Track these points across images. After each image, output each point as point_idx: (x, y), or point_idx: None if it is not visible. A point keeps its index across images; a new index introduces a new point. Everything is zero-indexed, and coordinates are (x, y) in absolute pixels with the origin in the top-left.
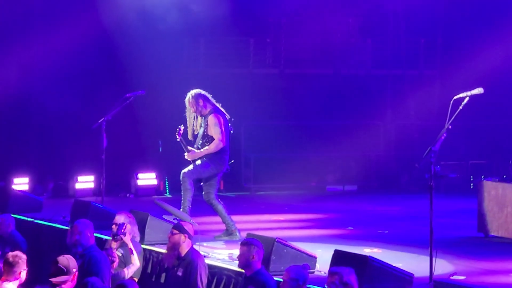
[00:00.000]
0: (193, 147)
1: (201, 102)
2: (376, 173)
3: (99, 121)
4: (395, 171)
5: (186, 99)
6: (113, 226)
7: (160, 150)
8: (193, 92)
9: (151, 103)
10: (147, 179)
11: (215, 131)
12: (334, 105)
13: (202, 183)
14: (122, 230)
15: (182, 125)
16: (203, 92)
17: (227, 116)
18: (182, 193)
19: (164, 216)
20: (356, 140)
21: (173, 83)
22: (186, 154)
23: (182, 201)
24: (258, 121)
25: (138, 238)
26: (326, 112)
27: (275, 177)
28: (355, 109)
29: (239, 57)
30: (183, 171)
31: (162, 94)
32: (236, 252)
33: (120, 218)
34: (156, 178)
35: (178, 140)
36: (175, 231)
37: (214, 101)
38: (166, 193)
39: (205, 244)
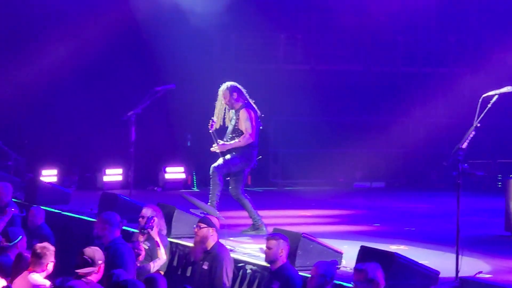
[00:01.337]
0: (222, 139)
1: (235, 95)
2: (404, 170)
3: (129, 114)
4: (423, 169)
5: (221, 89)
6: (140, 219)
7: (189, 144)
8: (229, 83)
9: (180, 97)
10: (175, 172)
11: (246, 125)
12: (363, 102)
13: (229, 178)
14: (150, 224)
15: (214, 116)
16: (239, 86)
17: (259, 113)
18: (211, 187)
19: (191, 210)
20: (385, 137)
21: (203, 77)
22: (214, 145)
23: (210, 195)
24: (287, 116)
25: (165, 232)
26: (355, 108)
27: (303, 172)
28: (384, 106)
29: (270, 53)
30: (213, 165)
31: (192, 89)
32: (263, 246)
33: (147, 211)
34: (184, 172)
35: (210, 131)
36: (203, 225)
37: (247, 97)
38: (194, 187)
39: (231, 238)
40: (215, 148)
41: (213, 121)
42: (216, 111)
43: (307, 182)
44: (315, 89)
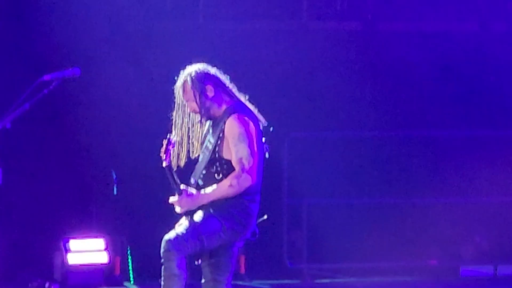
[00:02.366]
0: (188, 182)
1: (210, 91)
2: None
3: None
4: None
5: (179, 83)
6: None
7: (115, 193)
8: (194, 70)
9: (95, 94)
10: (87, 251)
11: (238, 151)
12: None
13: (200, 262)
14: None
15: (173, 133)
16: (213, 71)
17: (262, 122)
18: (162, 283)
19: None
20: None
21: (143, 52)
22: (175, 197)
23: None
24: (313, 130)
25: None
26: (450, 115)
27: (352, 247)
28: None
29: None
30: (166, 237)
31: (119, 75)
32: None
33: None
34: (106, 249)
35: (164, 164)
36: None
37: (234, 90)
38: (129, 280)
39: None
40: (175, 202)
41: (170, 142)
42: (177, 125)
43: (363, 268)
44: (370, 73)
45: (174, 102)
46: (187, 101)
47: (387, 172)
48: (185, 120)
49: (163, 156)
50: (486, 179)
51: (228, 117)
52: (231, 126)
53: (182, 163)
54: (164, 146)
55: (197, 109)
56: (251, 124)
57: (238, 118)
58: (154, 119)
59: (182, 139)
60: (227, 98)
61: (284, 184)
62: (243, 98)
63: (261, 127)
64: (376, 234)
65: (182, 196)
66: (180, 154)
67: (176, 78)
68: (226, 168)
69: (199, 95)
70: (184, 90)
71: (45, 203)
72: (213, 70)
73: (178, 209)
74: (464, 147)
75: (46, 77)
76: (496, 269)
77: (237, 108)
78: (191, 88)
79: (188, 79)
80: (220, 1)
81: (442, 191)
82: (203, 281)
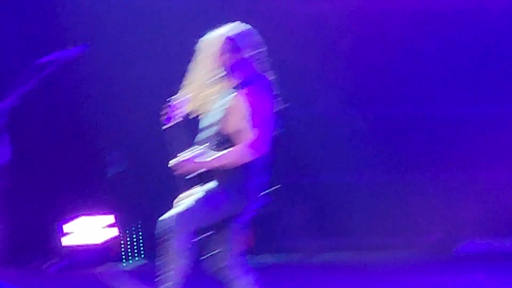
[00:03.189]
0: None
1: (243, 54)
2: None
3: None
4: None
5: (213, 37)
6: None
7: (109, 174)
8: (226, 30)
9: (100, 71)
10: (88, 230)
11: (245, 124)
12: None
13: (207, 236)
14: None
15: (182, 92)
16: (255, 38)
17: (276, 95)
18: (168, 258)
19: None
20: None
21: (147, 29)
22: (184, 153)
23: (165, 275)
24: (315, 107)
25: None
26: (465, 90)
27: (351, 224)
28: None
29: None
30: (171, 213)
31: (123, 53)
32: None
33: None
34: (116, 224)
35: (168, 125)
36: None
37: (264, 64)
38: (139, 255)
39: None
40: (176, 164)
41: (174, 107)
42: (197, 78)
43: (361, 244)
44: (374, 48)
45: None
46: (220, 54)
47: (383, 150)
48: (204, 77)
49: (165, 118)
50: (485, 156)
51: (242, 89)
52: (239, 99)
53: (194, 114)
54: (167, 110)
55: (225, 67)
56: (263, 97)
57: (248, 91)
58: (163, 100)
59: (198, 93)
60: (247, 69)
61: (285, 160)
62: (268, 74)
63: (274, 104)
64: (374, 211)
65: (184, 159)
66: (194, 105)
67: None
68: (230, 140)
69: (230, 56)
70: (218, 46)
71: (47, 183)
72: (255, 38)
73: (178, 171)
74: (460, 124)
75: (51, 57)
76: (492, 245)
77: (253, 79)
78: (227, 46)
79: (224, 36)
80: None
81: (439, 168)
82: (209, 254)
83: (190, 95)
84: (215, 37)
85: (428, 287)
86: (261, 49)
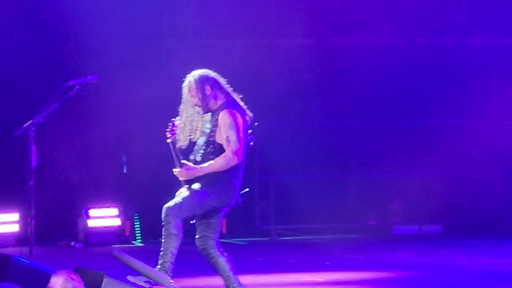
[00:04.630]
0: (189, 159)
1: (208, 90)
2: (473, 206)
3: (25, 126)
4: (505, 203)
5: (186, 83)
6: None
7: (125, 171)
8: (197, 73)
9: (108, 95)
10: (104, 217)
11: (228, 137)
12: (405, 97)
13: (195, 222)
14: None
15: (178, 117)
16: (212, 74)
17: (249, 116)
18: (162, 240)
19: (128, 278)
20: (438, 152)
21: (147, 62)
22: (177, 170)
23: (161, 254)
24: (279, 122)
25: None
26: (393, 106)
27: (309, 212)
28: (439, 103)
29: (256, 21)
30: (166, 205)
31: (128, 81)
32: None
33: (57, 282)
34: (118, 216)
35: (168, 141)
36: None
37: (230, 90)
38: (136, 240)
39: None
40: (178, 173)
41: (173, 125)
42: (183, 115)
43: (317, 228)
44: (324, 74)
45: (181, 97)
46: (191, 97)
47: (334, 154)
48: (189, 111)
49: (168, 134)
50: (413, 159)
51: (222, 110)
52: (224, 117)
53: (183, 145)
54: (170, 127)
55: (199, 103)
56: (239, 117)
57: (229, 112)
58: (156, 115)
59: (185, 125)
60: (222, 96)
61: (254, 166)
62: (236, 96)
63: (248, 119)
64: (328, 202)
65: (185, 168)
66: (181, 138)
67: (183, 79)
68: (219, 150)
69: (200, 93)
70: (189, 89)
71: (71, 180)
72: (212, 74)
73: (180, 178)
74: (392, 133)
75: (70, 83)
76: (421, 228)
77: (230, 104)
78: (194, 87)
79: (192, 80)
80: (208, 21)
81: (378, 167)
82: (197, 236)
83: (180, 129)
84: (187, 82)
85: (370, 263)
86: (225, 81)
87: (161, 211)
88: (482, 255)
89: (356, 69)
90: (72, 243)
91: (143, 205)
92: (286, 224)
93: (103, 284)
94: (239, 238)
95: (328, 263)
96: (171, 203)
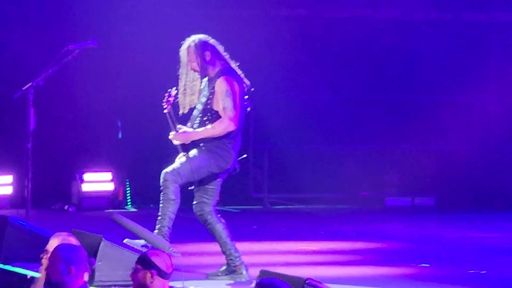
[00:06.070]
0: (186, 126)
1: (208, 56)
2: (464, 180)
3: (24, 89)
4: (493, 177)
5: (184, 47)
6: (44, 256)
7: (120, 136)
8: (197, 38)
9: (106, 60)
10: (97, 182)
11: (224, 104)
12: (397, 72)
13: (193, 188)
14: None
15: (175, 88)
16: (211, 40)
17: (246, 83)
18: (160, 205)
19: (126, 241)
20: (433, 127)
21: (144, 29)
22: (172, 133)
23: (158, 219)
24: (274, 92)
25: (86, 277)
26: (388, 80)
27: (303, 182)
28: (435, 78)
29: None
30: (165, 170)
31: (124, 46)
32: None
33: (56, 244)
34: (112, 180)
35: (165, 111)
36: (139, 266)
37: (227, 57)
38: (127, 205)
39: (191, 287)
40: (173, 137)
41: (170, 94)
42: (181, 83)
43: (310, 198)
44: (323, 47)
45: (180, 65)
46: (189, 61)
47: (329, 125)
48: (189, 75)
49: (165, 105)
50: (408, 132)
51: (219, 77)
52: (220, 84)
53: (185, 110)
54: (166, 97)
55: (197, 68)
56: (236, 84)
57: (226, 79)
58: (152, 79)
59: (185, 89)
60: (220, 63)
61: (249, 135)
62: (233, 64)
63: (246, 87)
64: (322, 172)
65: (178, 133)
66: (183, 103)
67: (181, 43)
68: (215, 117)
69: (200, 58)
70: (188, 53)
71: (67, 144)
72: (211, 40)
73: (175, 142)
74: (388, 107)
75: (70, 47)
76: (414, 200)
77: (227, 71)
78: (194, 52)
79: (192, 44)
80: None
81: (372, 140)
82: (194, 202)
83: (181, 93)
84: (187, 46)
85: (363, 232)
86: (223, 49)
87: (152, 177)
88: (475, 229)
89: (353, 42)
90: (66, 207)
91: (135, 171)
92: (280, 193)
93: (100, 247)
94: (233, 206)
95: (322, 231)
96: (169, 169)
